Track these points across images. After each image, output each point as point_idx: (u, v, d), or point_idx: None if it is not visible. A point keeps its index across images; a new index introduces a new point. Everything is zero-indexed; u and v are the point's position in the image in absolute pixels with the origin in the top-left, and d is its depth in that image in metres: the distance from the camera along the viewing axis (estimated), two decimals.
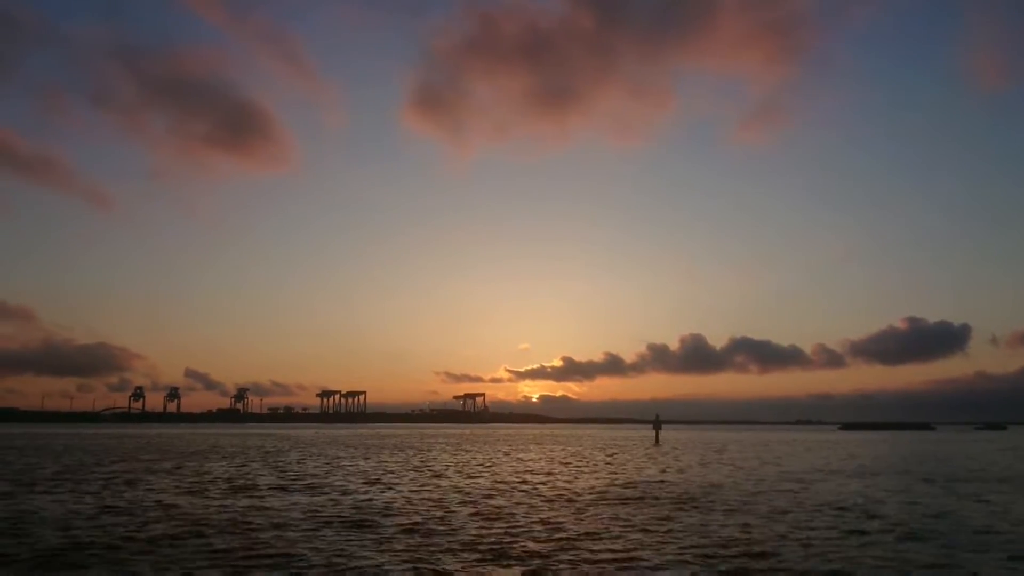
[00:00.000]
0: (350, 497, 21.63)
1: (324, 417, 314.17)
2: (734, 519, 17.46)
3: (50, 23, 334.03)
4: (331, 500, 20.87)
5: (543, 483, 26.86)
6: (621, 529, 15.81)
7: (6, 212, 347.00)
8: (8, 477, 28.55)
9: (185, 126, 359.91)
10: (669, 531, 15.59)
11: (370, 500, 20.95)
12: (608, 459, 43.84)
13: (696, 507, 19.73)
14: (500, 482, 27.19)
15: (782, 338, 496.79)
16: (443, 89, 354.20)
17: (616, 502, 20.80)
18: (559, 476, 30.29)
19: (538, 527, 16.01)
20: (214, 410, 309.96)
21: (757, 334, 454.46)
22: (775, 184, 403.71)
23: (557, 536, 14.83)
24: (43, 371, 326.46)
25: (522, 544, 13.89)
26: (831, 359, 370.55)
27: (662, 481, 27.82)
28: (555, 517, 17.58)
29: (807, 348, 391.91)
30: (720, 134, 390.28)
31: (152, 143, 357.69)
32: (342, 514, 17.91)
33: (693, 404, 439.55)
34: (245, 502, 20.26)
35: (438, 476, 29.76)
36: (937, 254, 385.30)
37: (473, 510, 18.82)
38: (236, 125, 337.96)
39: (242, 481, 26.79)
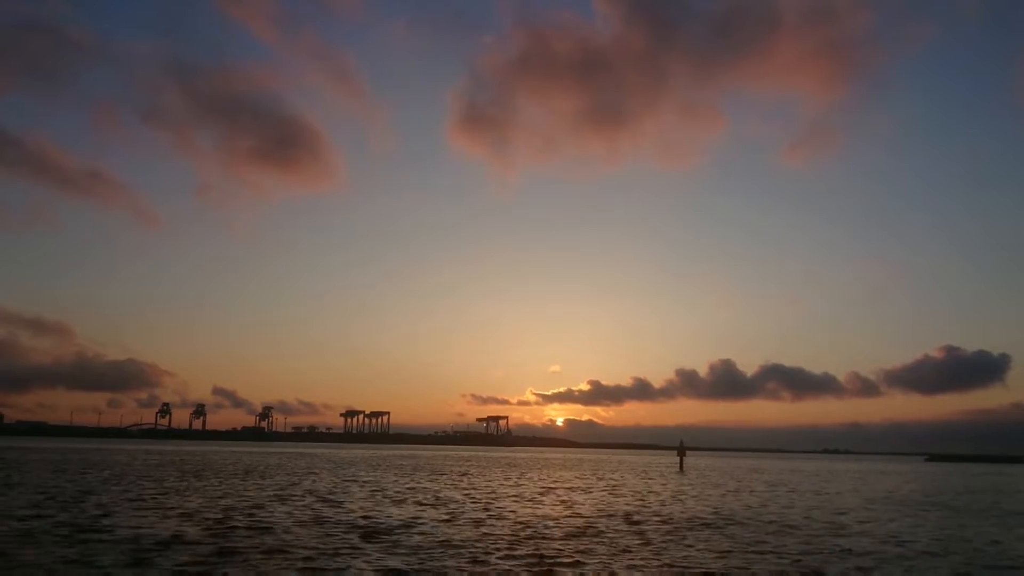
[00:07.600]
0: None
1: (347, 437, 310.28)
2: None
3: (103, 40, 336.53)
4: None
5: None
6: None
7: (51, 226, 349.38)
8: None
9: (233, 143, 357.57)
10: None
11: None
12: (650, 486, 40.06)
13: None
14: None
15: (815, 366, 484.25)
16: (491, 108, 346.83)
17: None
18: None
19: None
20: (239, 428, 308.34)
21: (789, 361, 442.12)
22: (814, 209, 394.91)
23: None
24: (74, 386, 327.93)
25: None
26: (865, 387, 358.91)
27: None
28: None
29: (841, 376, 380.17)
30: (766, 157, 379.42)
31: (199, 159, 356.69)
32: None
33: (722, 431, 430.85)
34: None
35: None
36: (977, 282, 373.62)
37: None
38: (284, 143, 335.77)
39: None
